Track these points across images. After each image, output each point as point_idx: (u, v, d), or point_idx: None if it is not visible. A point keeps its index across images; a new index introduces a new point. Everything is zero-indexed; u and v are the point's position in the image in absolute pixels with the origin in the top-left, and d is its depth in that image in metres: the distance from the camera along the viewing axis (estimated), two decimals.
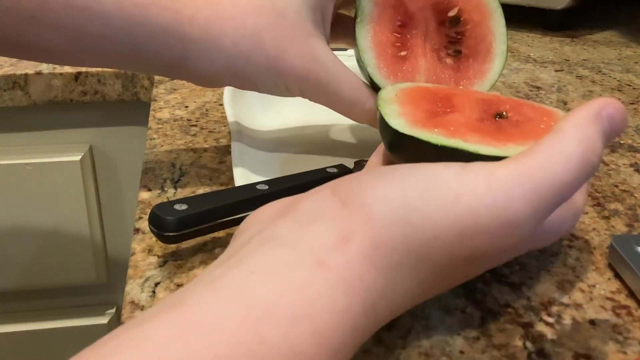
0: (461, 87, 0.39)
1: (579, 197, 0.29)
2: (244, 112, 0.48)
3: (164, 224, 0.32)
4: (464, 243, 0.23)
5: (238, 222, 0.35)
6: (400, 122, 0.31)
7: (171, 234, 0.32)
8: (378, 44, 0.39)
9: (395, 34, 0.40)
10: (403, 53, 0.39)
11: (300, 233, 0.23)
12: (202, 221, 0.33)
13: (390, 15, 0.40)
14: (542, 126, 0.30)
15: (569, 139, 0.24)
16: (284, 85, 0.38)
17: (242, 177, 0.38)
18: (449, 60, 0.40)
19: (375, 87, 0.39)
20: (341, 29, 0.43)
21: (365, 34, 0.39)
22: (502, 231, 0.23)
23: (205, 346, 0.19)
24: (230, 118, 0.46)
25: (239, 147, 0.42)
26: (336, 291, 0.22)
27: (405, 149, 0.31)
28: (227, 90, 0.49)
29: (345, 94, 0.38)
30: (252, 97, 0.49)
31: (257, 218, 0.26)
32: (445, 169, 0.24)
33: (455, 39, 0.40)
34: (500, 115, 0.32)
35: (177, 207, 0.33)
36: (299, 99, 0.40)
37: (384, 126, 0.31)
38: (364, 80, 0.40)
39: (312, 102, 0.40)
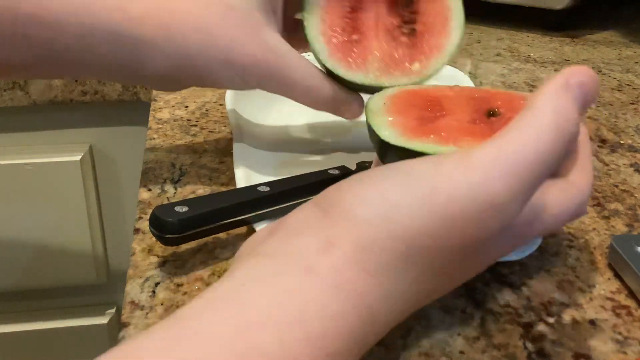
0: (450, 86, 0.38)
1: (580, 179, 0.28)
2: (246, 113, 0.48)
3: (165, 226, 0.32)
4: (450, 232, 0.23)
5: (239, 224, 0.35)
6: (391, 134, 0.30)
7: (172, 236, 0.32)
8: (327, 31, 0.39)
9: (346, 19, 0.39)
10: (355, 37, 0.39)
11: (287, 245, 0.23)
12: (203, 223, 0.33)
13: (338, 1, 0.39)
14: None
15: (541, 112, 0.24)
16: (239, 76, 0.38)
17: (243, 178, 0.38)
18: (403, 39, 0.39)
19: (331, 75, 0.39)
20: (300, 34, 0.42)
21: (313, 23, 0.39)
22: (486, 214, 0.23)
23: (201, 355, 0.19)
24: (232, 119, 0.46)
25: (240, 148, 0.42)
26: (326, 296, 0.22)
27: (399, 160, 0.30)
28: (229, 91, 0.49)
29: (299, 81, 0.38)
30: (254, 98, 0.49)
31: (249, 244, 0.27)
32: (422, 162, 0.24)
33: (409, 19, 0.39)
34: (493, 113, 0.32)
35: (177, 209, 0.33)
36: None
37: (376, 138, 0.31)
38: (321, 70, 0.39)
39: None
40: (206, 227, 0.33)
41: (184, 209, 0.33)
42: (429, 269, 0.24)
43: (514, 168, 0.23)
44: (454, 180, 0.23)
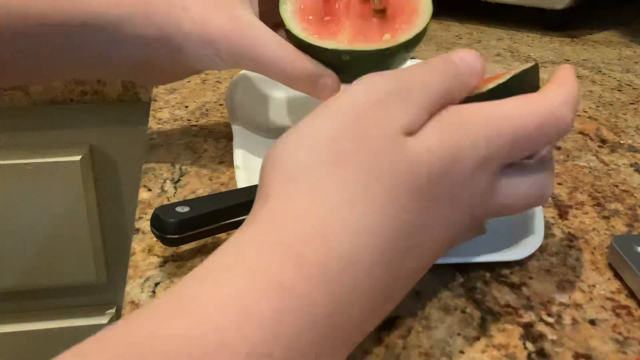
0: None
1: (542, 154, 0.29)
2: (246, 112, 0.48)
3: (166, 226, 0.32)
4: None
5: (240, 224, 0.35)
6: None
7: (173, 236, 0.32)
8: (302, 12, 0.41)
9: (319, 3, 0.42)
10: (327, 18, 0.41)
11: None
12: (204, 224, 0.33)
13: (313, 5, 0.42)
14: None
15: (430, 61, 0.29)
16: (215, 53, 0.39)
17: (244, 178, 0.38)
18: (374, 20, 0.41)
19: (304, 50, 0.40)
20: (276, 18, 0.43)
21: (289, 4, 0.41)
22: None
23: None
24: (232, 118, 0.46)
25: (241, 148, 0.42)
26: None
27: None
28: (229, 90, 0.49)
29: (272, 56, 0.39)
30: (254, 97, 0.49)
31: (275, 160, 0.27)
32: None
33: (380, 8, 0.42)
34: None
35: (179, 209, 0.33)
36: (304, 99, 0.40)
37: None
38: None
39: (317, 102, 0.40)
40: (207, 227, 0.33)
41: (185, 209, 0.33)
42: (396, 204, 0.25)
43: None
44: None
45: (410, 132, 0.26)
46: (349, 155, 0.25)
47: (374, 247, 0.24)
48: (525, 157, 0.29)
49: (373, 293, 0.24)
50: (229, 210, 0.34)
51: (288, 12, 0.41)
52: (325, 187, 0.25)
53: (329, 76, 0.40)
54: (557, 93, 0.29)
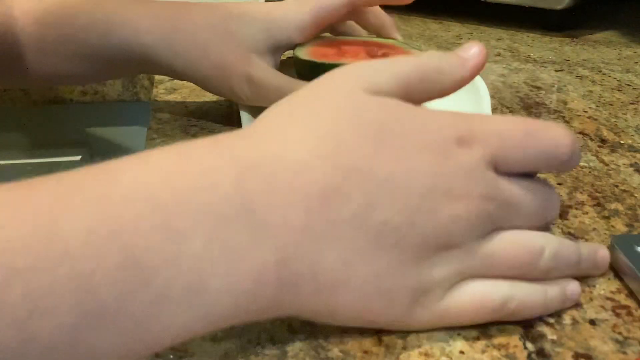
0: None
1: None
2: (256, 109, 0.49)
3: None
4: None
5: None
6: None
7: None
8: (312, 53, 0.47)
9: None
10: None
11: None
12: None
13: (325, 44, 0.49)
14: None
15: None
16: (228, 87, 0.45)
17: None
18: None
19: (311, 72, 0.45)
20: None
21: (302, 51, 0.47)
22: None
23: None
24: (244, 116, 0.46)
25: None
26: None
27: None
28: None
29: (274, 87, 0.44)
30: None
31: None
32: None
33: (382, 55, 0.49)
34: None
35: None
36: None
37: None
38: None
39: None
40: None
41: None
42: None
43: None
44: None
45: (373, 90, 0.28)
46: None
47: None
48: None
49: None
50: None
51: (299, 52, 0.47)
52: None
53: None
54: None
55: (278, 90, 0.43)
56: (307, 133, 0.26)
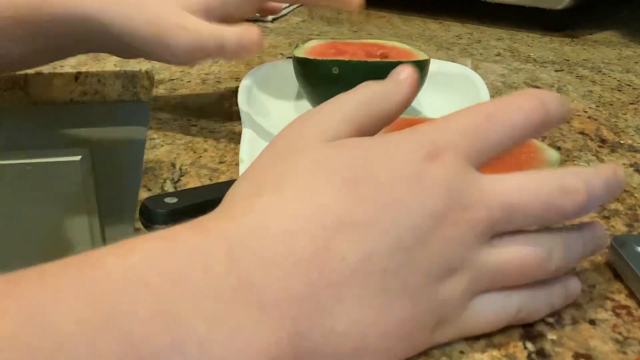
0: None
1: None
2: (257, 108, 0.48)
3: (154, 216, 0.32)
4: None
5: None
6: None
7: (161, 226, 0.32)
8: (310, 53, 0.49)
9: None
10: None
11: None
12: (193, 215, 0.33)
13: (324, 45, 0.51)
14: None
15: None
16: (165, 43, 0.43)
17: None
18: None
19: (301, 67, 0.49)
20: None
21: (300, 50, 0.50)
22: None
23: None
24: (244, 114, 0.46)
25: (248, 140, 0.42)
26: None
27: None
28: (240, 91, 0.49)
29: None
30: (265, 95, 0.50)
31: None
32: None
33: (381, 55, 0.51)
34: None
35: (167, 200, 0.33)
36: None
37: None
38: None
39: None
40: (196, 218, 0.33)
41: (174, 200, 0.33)
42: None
43: None
44: None
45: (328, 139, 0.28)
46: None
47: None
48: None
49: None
50: (217, 202, 0.34)
51: (298, 52, 0.49)
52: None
53: (249, 31, 0.43)
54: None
55: (212, 35, 0.43)
56: (282, 198, 0.25)
